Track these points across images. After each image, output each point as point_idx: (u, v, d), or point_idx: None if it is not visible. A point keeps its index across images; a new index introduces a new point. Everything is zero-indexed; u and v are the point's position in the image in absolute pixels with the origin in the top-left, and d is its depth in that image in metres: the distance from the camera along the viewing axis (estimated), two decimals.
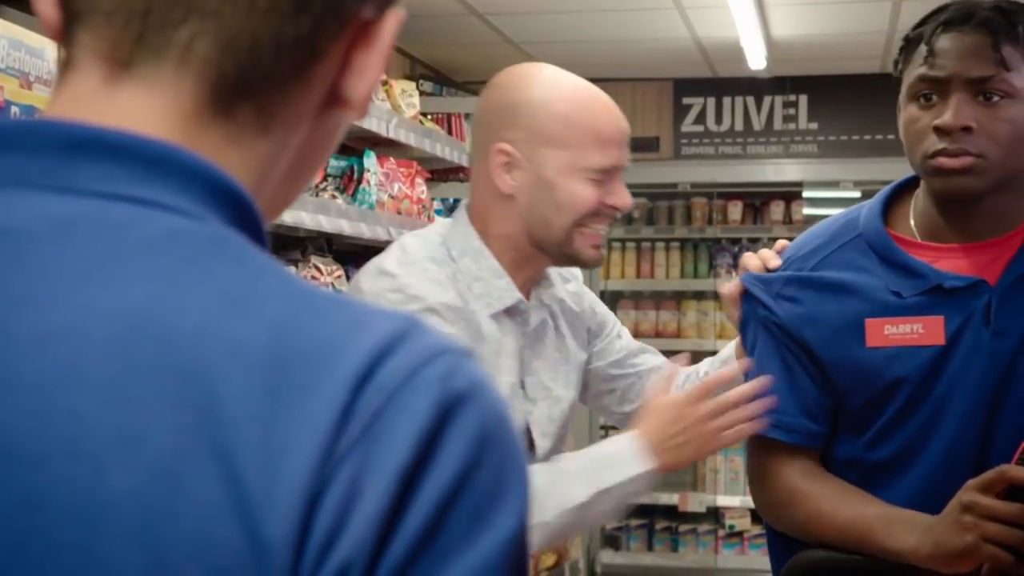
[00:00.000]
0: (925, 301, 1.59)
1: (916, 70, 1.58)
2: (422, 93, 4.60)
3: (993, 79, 1.53)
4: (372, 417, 0.55)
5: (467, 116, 4.80)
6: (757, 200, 6.14)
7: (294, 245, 3.33)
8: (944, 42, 1.56)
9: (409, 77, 5.02)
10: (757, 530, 5.61)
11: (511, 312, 1.73)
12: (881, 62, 5.87)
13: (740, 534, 5.75)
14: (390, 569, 0.54)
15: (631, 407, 1.94)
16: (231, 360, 0.56)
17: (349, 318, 0.59)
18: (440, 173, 4.54)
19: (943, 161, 1.54)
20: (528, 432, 1.77)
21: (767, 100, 6.03)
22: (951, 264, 1.61)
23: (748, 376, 1.70)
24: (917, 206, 1.66)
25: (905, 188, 1.70)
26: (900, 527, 1.55)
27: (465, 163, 4.46)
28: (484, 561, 0.55)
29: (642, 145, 6.87)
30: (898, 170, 1.71)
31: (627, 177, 1.77)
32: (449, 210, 4.65)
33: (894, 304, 1.61)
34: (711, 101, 6.18)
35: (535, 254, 1.74)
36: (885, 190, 1.71)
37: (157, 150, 0.61)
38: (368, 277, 1.69)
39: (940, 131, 1.54)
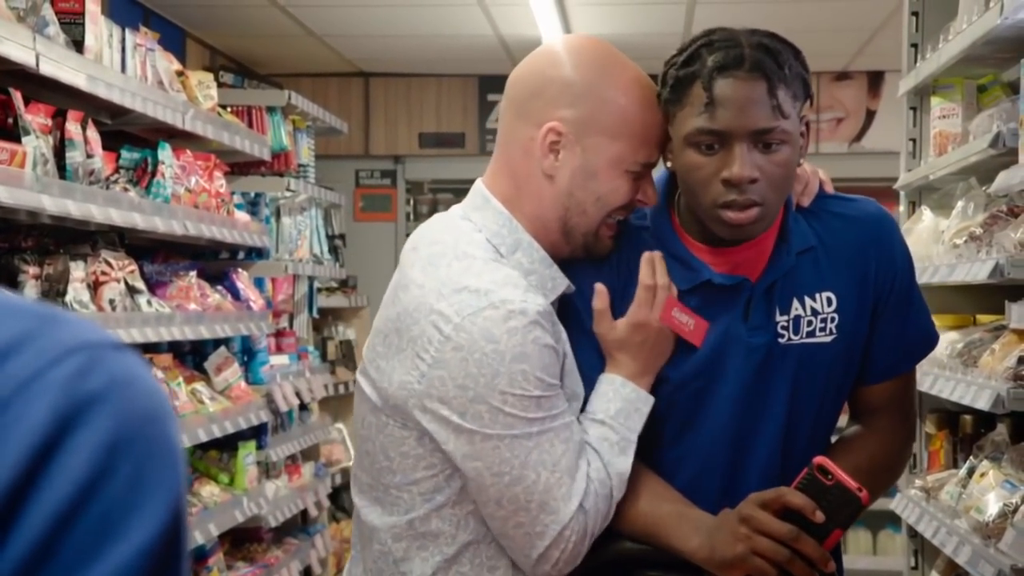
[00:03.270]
0: (694, 298, 1.66)
1: (696, 119, 1.57)
2: (222, 85, 4.48)
3: (774, 131, 1.56)
4: None
5: (269, 109, 4.69)
6: None
7: (84, 239, 3.18)
8: (723, 90, 1.55)
9: (209, 68, 4.89)
10: None
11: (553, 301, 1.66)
12: None
13: None
14: None
15: None
16: None
17: None
18: (240, 167, 4.44)
19: (732, 216, 1.58)
20: None
21: None
22: (722, 266, 1.67)
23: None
24: (683, 209, 1.69)
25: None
26: (687, 527, 1.63)
27: (266, 157, 4.37)
28: (114, 574, 0.51)
29: (448, 141, 6.85)
30: None
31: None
32: (251, 204, 4.54)
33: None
34: None
35: (559, 240, 1.67)
36: (665, 178, 1.72)
37: None
38: (446, 299, 1.54)
39: (728, 183, 1.57)
